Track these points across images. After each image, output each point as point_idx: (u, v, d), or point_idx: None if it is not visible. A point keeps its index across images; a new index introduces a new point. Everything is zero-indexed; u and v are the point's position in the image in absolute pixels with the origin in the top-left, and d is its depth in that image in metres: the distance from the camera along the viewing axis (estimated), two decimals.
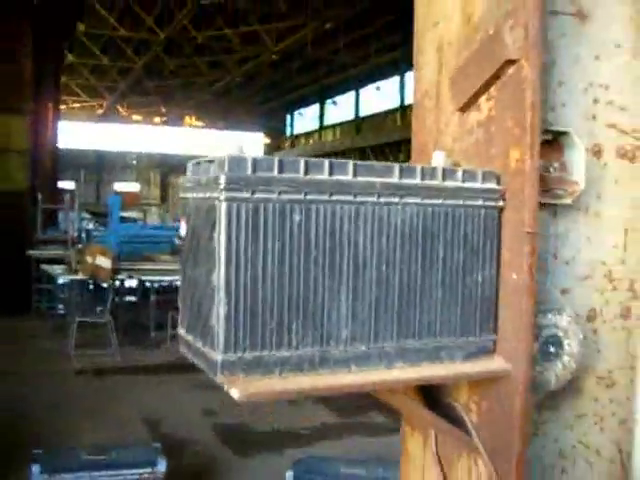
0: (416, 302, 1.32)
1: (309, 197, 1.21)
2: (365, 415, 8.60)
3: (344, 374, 1.26)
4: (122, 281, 12.41)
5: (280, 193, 1.19)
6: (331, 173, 1.23)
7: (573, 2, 1.58)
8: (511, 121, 1.38)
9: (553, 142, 1.50)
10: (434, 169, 1.32)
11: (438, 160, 1.44)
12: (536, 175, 1.34)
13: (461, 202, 1.34)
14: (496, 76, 1.39)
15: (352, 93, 37.26)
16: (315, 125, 40.90)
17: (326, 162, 1.22)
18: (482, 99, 1.46)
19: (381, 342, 1.29)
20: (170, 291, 12.42)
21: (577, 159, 1.51)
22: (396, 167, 1.29)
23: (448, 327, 1.36)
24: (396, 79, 33.56)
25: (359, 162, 1.26)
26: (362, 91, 36.31)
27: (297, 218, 1.20)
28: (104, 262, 11.64)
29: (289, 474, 5.32)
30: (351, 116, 38.37)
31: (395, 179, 1.28)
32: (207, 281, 1.20)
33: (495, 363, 1.38)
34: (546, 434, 1.62)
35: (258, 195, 1.17)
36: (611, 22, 1.63)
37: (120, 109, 35.03)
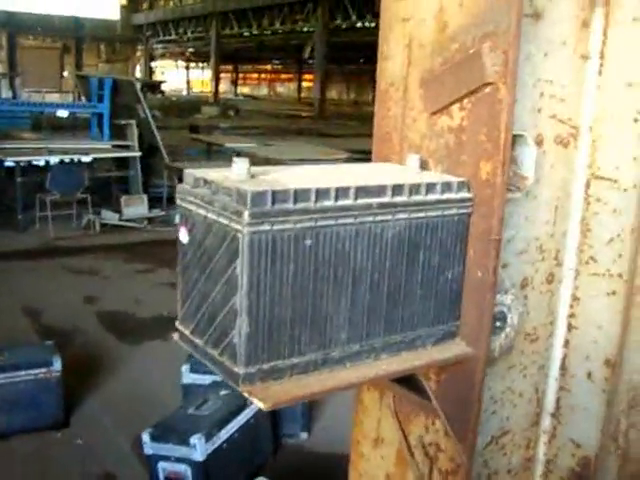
0: (400, 302, 1.50)
1: (319, 223, 1.33)
2: None
3: (341, 370, 1.43)
4: None
5: (295, 223, 1.30)
6: (336, 199, 1.35)
7: (531, 4, 1.71)
8: (484, 136, 1.53)
9: None
10: (419, 186, 1.47)
11: (413, 164, 1.59)
12: (504, 188, 1.52)
13: (440, 213, 1.51)
14: (471, 92, 1.52)
15: None
16: None
17: (332, 189, 1.34)
18: (454, 107, 1.59)
19: (371, 340, 1.48)
20: (36, 170, 11.91)
21: (528, 156, 1.70)
22: (389, 187, 1.42)
23: (424, 319, 1.55)
24: None
25: (359, 185, 1.38)
26: None
27: (308, 242, 1.33)
28: None
29: (185, 368, 5.56)
30: None
31: (388, 198, 1.42)
32: (224, 300, 1.32)
33: (460, 347, 1.60)
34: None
35: (277, 227, 1.28)
36: (560, 20, 1.78)
37: None
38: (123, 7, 38.24)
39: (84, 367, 6.33)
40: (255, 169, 1.41)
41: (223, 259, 1.31)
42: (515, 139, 1.69)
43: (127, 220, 12.02)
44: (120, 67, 37.10)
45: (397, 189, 1.43)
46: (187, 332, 1.46)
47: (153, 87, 33.24)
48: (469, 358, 1.60)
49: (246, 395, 1.31)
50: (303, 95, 49.73)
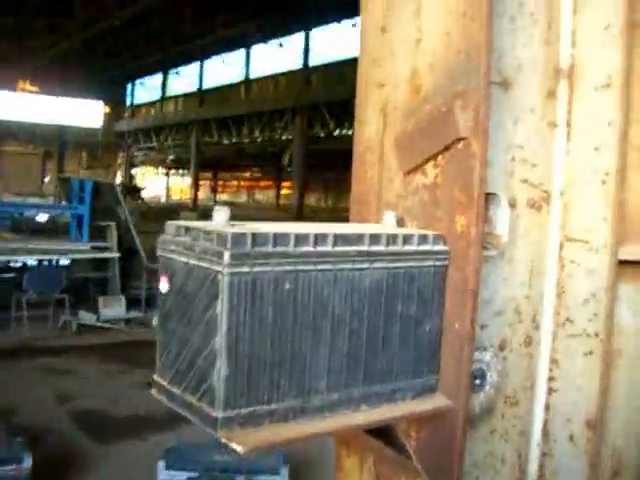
0: (379, 352, 1.51)
1: (298, 267, 1.35)
2: None
3: (320, 420, 1.42)
4: None
5: (275, 266, 1.32)
6: (315, 244, 1.38)
7: (500, 73, 1.80)
8: (458, 191, 1.58)
9: None
10: (396, 236, 1.50)
11: (390, 221, 1.63)
12: (480, 240, 1.55)
13: (417, 264, 1.54)
14: (445, 148, 1.59)
15: (196, 64, 36.68)
16: (157, 95, 39.99)
17: (311, 235, 1.37)
18: (428, 165, 1.64)
19: (350, 389, 1.47)
20: (13, 270, 11.87)
21: (502, 217, 1.75)
22: (366, 236, 1.45)
23: (403, 371, 1.55)
24: (242, 52, 33.41)
25: (337, 233, 1.41)
26: (207, 63, 35.86)
27: (287, 286, 1.34)
28: None
29: (161, 464, 5.37)
30: (194, 88, 37.79)
31: (365, 247, 1.45)
32: (204, 344, 1.31)
33: (439, 400, 1.60)
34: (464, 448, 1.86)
35: (256, 269, 1.30)
36: (528, 89, 1.87)
37: None
38: (105, 114, 39.20)
39: (56, 466, 6.12)
40: (235, 221, 1.45)
41: (203, 302, 1.32)
42: (489, 199, 1.75)
43: (104, 321, 11.92)
44: (101, 173, 37.66)
45: (374, 238, 1.47)
46: (165, 383, 1.45)
47: (133, 191, 33.65)
48: (449, 412, 1.59)
49: (224, 441, 1.29)
50: (282, 202, 50.53)
